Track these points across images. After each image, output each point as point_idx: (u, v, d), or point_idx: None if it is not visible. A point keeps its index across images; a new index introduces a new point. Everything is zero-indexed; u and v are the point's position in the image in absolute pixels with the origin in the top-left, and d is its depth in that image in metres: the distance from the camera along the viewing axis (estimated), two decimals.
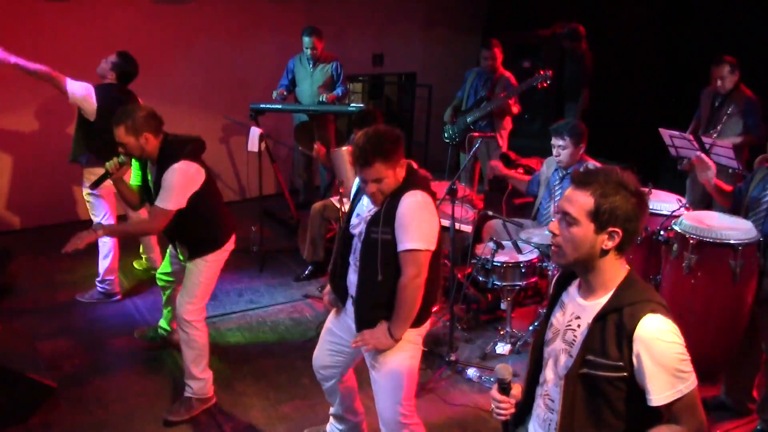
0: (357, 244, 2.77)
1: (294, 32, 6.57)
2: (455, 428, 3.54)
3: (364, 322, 2.76)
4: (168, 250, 3.91)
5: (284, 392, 3.85)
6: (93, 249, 4.81)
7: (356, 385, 3.21)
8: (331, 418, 3.29)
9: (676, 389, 1.70)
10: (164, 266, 3.98)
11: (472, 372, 4.00)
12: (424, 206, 2.65)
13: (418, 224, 2.61)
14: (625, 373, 1.71)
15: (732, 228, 3.39)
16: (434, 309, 2.96)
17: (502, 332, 4.32)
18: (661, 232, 3.67)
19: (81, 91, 4.49)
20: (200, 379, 3.62)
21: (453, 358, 4.04)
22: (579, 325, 1.81)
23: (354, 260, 2.81)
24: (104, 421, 3.55)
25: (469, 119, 5.84)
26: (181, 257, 3.70)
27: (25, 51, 5.80)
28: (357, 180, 2.83)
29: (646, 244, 3.78)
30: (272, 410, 3.69)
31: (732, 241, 3.32)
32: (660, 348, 1.68)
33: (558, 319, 1.90)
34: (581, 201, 1.75)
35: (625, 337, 1.70)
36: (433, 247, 2.67)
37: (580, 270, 1.84)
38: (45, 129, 6.13)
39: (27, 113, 6.05)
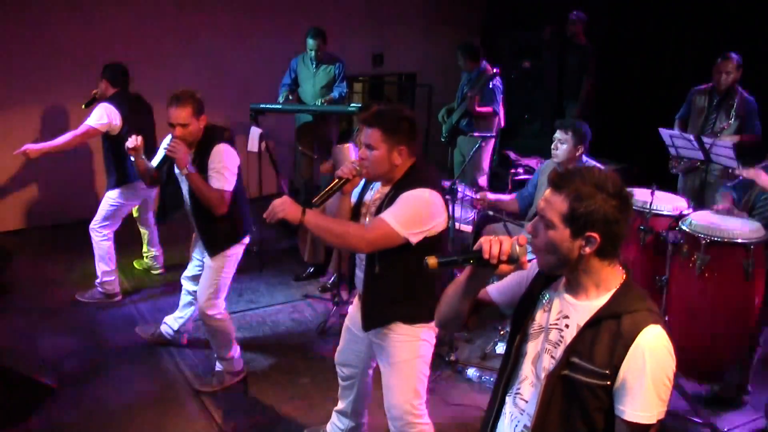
0: None
1: (294, 32, 6.56)
2: (455, 428, 3.54)
3: (371, 320, 2.75)
4: (193, 254, 3.94)
5: (284, 392, 3.85)
6: (91, 249, 4.83)
7: (371, 389, 3.19)
8: (334, 415, 3.26)
9: (653, 413, 1.61)
10: (190, 269, 4.01)
11: (472, 372, 4.00)
12: (427, 200, 2.56)
13: (405, 207, 2.54)
14: (608, 382, 1.63)
15: (741, 227, 3.43)
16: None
17: (502, 332, 4.32)
18: (669, 233, 3.67)
19: (103, 116, 4.49)
20: (229, 359, 3.83)
21: (453, 358, 4.04)
22: (567, 326, 1.71)
23: (358, 255, 2.79)
24: (104, 421, 3.55)
25: (454, 118, 5.97)
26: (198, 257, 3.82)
27: (26, 51, 5.86)
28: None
29: (652, 244, 3.78)
30: (272, 410, 3.69)
31: (744, 241, 3.34)
32: (658, 361, 1.61)
33: (541, 315, 1.79)
34: (557, 204, 1.66)
35: (621, 345, 1.61)
36: (407, 236, 2.53)
37: (564, 271, 1.75)
38: (45, 129, 6.12)
39: (27, 113, 6.04)
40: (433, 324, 2.78)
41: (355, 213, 2.82)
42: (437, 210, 2.60)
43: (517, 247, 1.69)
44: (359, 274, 2.81)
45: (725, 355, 3.59)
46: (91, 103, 4.88)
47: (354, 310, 2.98)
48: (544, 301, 1.80)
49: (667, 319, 3.65)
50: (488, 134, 5.77)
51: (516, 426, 1.80)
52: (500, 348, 4.22)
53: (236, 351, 3.87)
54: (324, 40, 6.11)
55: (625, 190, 1.66)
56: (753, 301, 3.45)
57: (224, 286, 3.71)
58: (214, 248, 3.64)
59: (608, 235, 1.64)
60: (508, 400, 1.84)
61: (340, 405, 3.22)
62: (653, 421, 1.62)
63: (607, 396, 1.65)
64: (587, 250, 1.65)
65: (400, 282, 2.66)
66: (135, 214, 5.11)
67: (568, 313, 1.72)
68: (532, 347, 1.78)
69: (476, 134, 5.12)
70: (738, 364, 3.66)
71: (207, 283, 3.66)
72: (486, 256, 1.69)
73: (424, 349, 2.78)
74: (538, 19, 7.65)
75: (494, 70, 5.68)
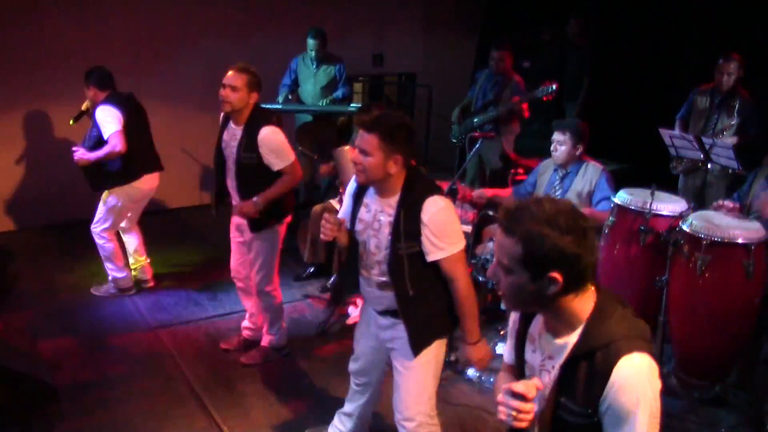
0: (367, 252, 2.70)
1: (294, 32, 6.57)
2: (455, 428, 3.54)
3: (420, 344, 2.70)
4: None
5: (284, 392, 3.84)
6: (94, 248, 4.84)
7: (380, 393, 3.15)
8: (337, 417, 3.19)
9: None
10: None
11: (472, 372, 4.00)
12: (446, 209, 2.58)
13: (450, 227, 2.58)
14: (595, 419, 1.57)
15: (742, 228, 3.43)
16: None
17: (502, 332, 4.32)
18: (669, 233, 3.67)
19: (111, 117, 4.47)
20: (275, 334, 4.10)
21: (453, 358, 4.04)
22: (553, 367, 1.65)
23: (366, 267, 2.73)
24: (105, 421, 3.55)
25: (475, 121, 5.88)
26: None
27: (26, 51, 5.86)
28: (353, 181, 2.78)
29: (652, 244, 3.79)
30: (272, 410, 3.69)
31: (745, 241, 3.35)
32: (637, 397, 1.52)
33: (531, 357, 1.74)
34: (510, 248, 1.57)
35: (598, 384, 1.54)
36: (463, 245, 2.63)
37: (538, 312, 1.70)
38: (44, 128, 6.13)
39: (26, 112, 6.05)
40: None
41: (351, 227, 2.75)
42: (452, 207, 2.65)
43: (535, 391, 1.59)
44: (375, 291, 2.74)
45: (725, 355, 3.59)
46: (80, 117, 4.81)
47: (369, 319, 2.89)
48: (531, 343, 1.76)
49: (667, 319, 3.66)
50: (511, 136, 5.92)
51: None
52: (500, 348, 4.22)
53: (283, 328, 4.15)
54: (324, 40, 6.11)
55: (579, 221, 1.56)
56: (753, 301, 3.46)
57: (276, 261, 3.94)
58: (259, 225, 3.78)
59: (570, 272, 1.55)
60: None
61: (347, 408, 3.14)
62: None
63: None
64: (553, 289, 1.56)
65: (432, 298, 2.65)
66: (121, 224, 4.91)
67: (552, 354, 1.67)
68: None
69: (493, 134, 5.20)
70: (740, 366, 3.66)
71: (259, 266, 3.87)
72: (523, 425, 1.59)
73: (440, 350, 2.78)
74: (537, 20, 7.66)
75: (554, 86, 5.43)
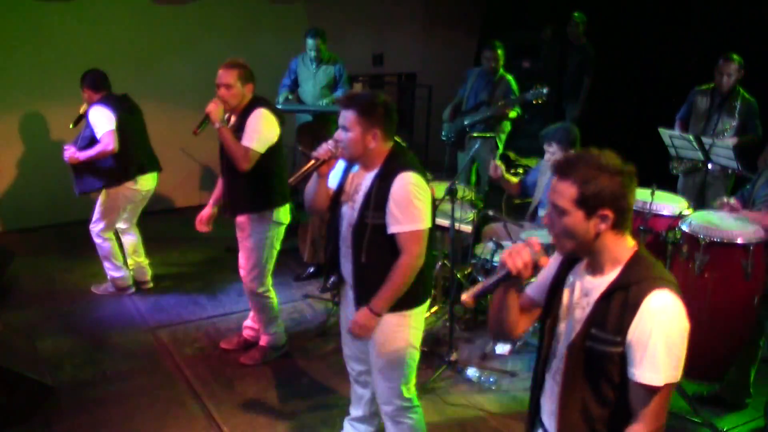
0: (344, 227, 2.76)
1: (295, 32, 6.57)
2: (455, 428, 3.54)
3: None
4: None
5: (284, 392, 3.84)
6: (94, 248, 4.84)
7: None
8: (351, 425, 3.16)
9: (661, 375, 1.69)
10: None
11: (472, 372, 4.00)
12: (416, 185, 2.61)
13: (414, 204, 2.60)
14: (621, 348, 1.73)
15: (740, 228, 3.43)
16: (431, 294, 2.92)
17: None
18: (669, 233, 3.67)
19: (105, 117, 4.46)
20: (272, 334, 4.07)
21: (453, 358, 4.04)
22: (588, 303, 1.83)
23: (343, 244, 2.79)
24: (104, 421, 3.55)
25: (466, 121, 5.85)
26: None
27: (26, 52, 5.86)
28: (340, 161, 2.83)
29: (652, 244, 3.79)
30: (272, 410, 3.69)
31: (744, 241, 3.34)
32: (662, 324, 1.69)
33: (567, 296, 1.92)
34: (566, 191, 1.77)
35: (629, 312, 1.71)
36: (429, 225, 2.67)
37: (583, 253, 1.86)
38: (44, 129, 6.14)
39: (26, 113, 6.05)
40: (420, 309, 2.80)
41: (335, 200, 2.82)
42: (426, 189, 2.65)
43: (535, 253, 1.84)
44: (347, 265, 2.80)
45: (725, 355, 3.59)
46: (79, 120, 4.79)
47: (346, 302, 2.95)
48: (568, 284, 1.92)
49: None
50: (502, 134, 5.86)
51: (555, 398, 1.93)
52: (500, 348, 4.23)
53: (280, 326, 4.12)
54: (324, 40, 6.11)
55: (626, 166, 1.78)
56: (752, 301, 3.46)
57: (267, 264, 3.88)
58: (235, 209, 3.81)
59: (618, 209, 1.76)
60: (548, 377, 1.97)
61: (355, 412, 3.12)
62: (661, 383, 1.69)
63: (623, 362, 1.74)
64: (603, 227, 1.77)
65: (385, 272, 2.65)
66: (119, 225, 4.89)
67: (589, 292, 1.84)
68: (563, 328, 1.90)
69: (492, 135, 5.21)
70: (738, 366, 3.66)
71: (250, 265, 3.86)
72: (515, 272, 1.83)
73: (413, 336, 2.79)
74: (538, 19, 7.66)
75: (544, 89, 5.34)
